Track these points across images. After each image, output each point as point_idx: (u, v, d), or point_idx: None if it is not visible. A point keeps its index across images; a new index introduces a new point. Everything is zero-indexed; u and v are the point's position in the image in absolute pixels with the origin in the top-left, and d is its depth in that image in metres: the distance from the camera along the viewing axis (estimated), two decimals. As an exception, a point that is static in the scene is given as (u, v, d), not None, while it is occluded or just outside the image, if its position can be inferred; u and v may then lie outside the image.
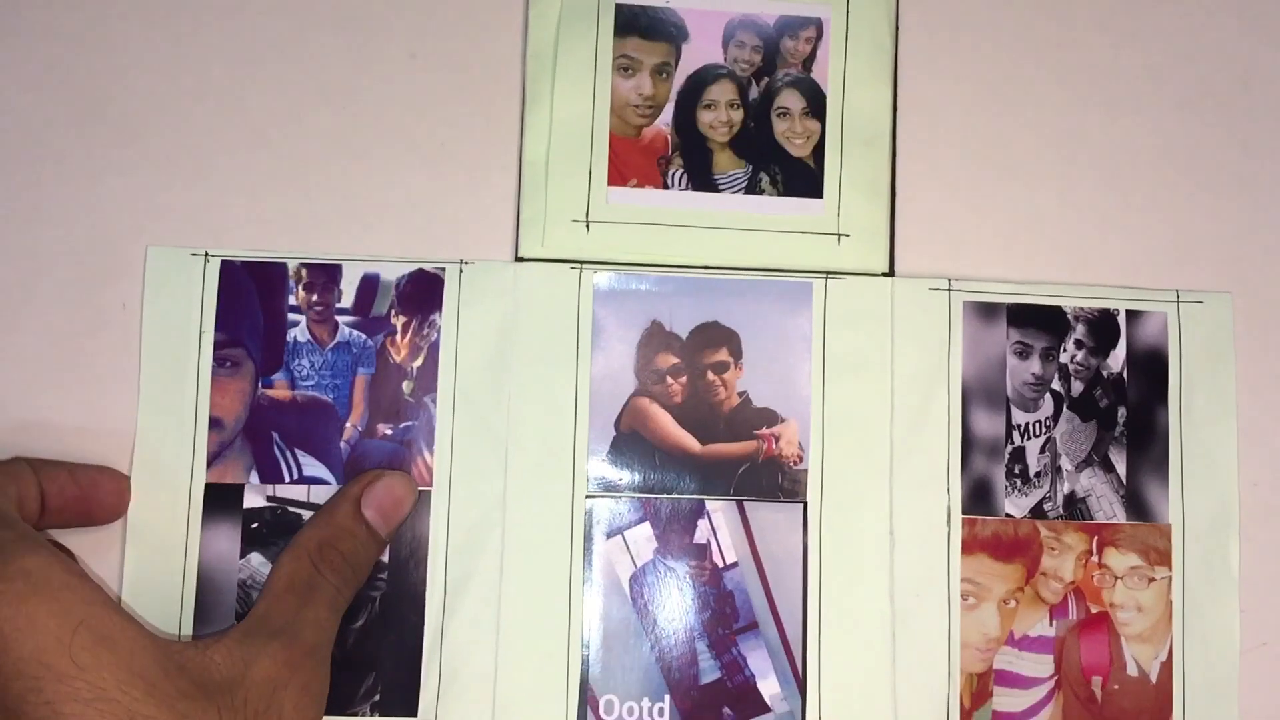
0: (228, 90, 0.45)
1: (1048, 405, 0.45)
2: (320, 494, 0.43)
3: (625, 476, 0.44)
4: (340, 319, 0.44)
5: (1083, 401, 0.45)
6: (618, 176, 0.45)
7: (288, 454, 0.43)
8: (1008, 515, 0.44)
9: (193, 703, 0.34)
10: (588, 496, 0.44)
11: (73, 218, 0.44)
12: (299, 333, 0.44)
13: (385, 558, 0.43)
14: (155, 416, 0.43)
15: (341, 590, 0.40)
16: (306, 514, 0.43)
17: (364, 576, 0.41)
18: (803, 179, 0.46)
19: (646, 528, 0.44)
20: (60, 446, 0.42)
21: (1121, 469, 0.45)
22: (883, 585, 0.44)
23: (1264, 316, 0.46)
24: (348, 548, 0.41)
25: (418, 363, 0.44)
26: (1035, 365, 0.45)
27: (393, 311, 0.44)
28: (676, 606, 0.44)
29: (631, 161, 0.46)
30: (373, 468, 0.43)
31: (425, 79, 0.46)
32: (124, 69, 0.45)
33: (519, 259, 0.45)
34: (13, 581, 0.33)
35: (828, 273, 0.45)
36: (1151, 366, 0.45)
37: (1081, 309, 0.45)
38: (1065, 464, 0.45)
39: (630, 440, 0.44)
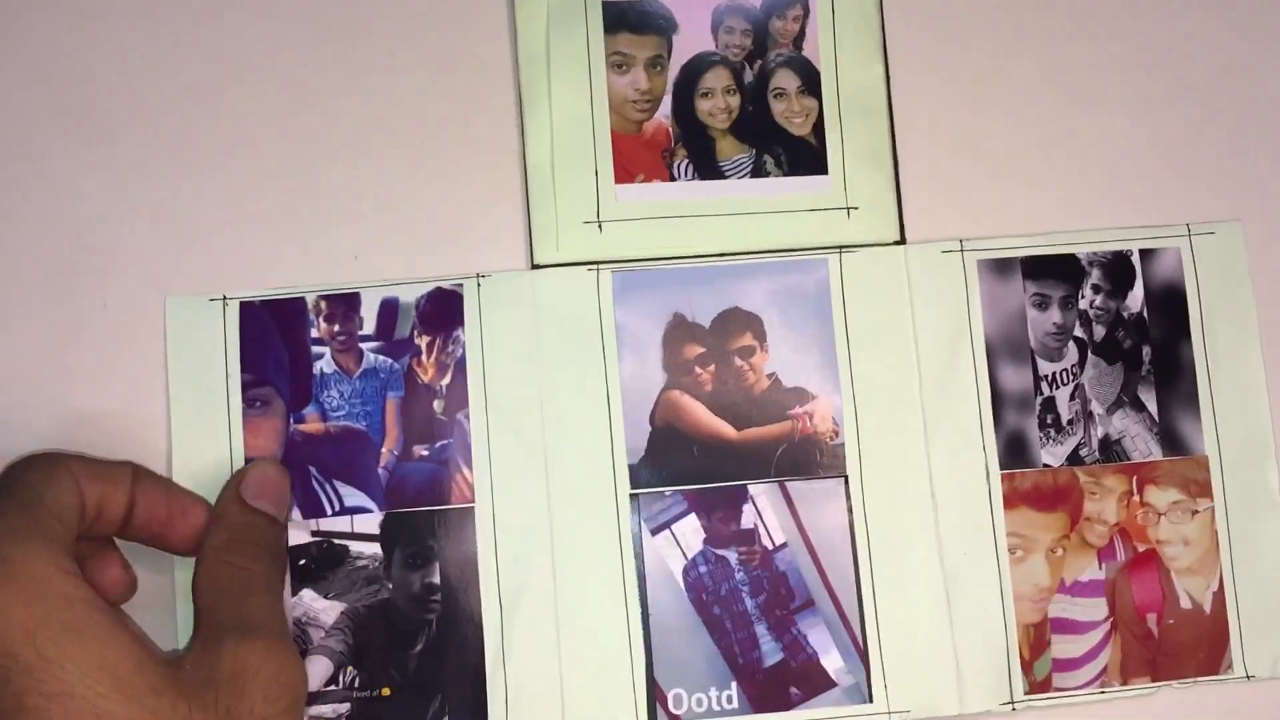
0: (232, 125, 0.45)
1: (1072, 353, 0.46)
2: (364, 523, 0.43)
3: (666, 471, 0.44)
4: (364, 346, 0.44)
5: (1106, 345, 0.46)
6: (624, 173, 0.45)
7: (327, 487, 0.43)
8: (1045, 465, 0.45)
9: (162, 699, 0.34)
10: (630, 495, 0.44)
11: (61, 237, 0.44)
12: (324, 364, 0.44)
13: (436, 578, 0.43)
14: (190, 463, 0.43)
15: (269, 575, 0.40)
16: (353, 545, 0.43)
17: (283, 559, 0.41)
18: (806, 157, 0.46)
19: (693, 519, 0.44)
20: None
21: (1152, 407, 0.45)
22: (931, 548, 0.44)
23: (1276, 240, 0.47)
24: (254, 536, 0.40)
25: (446, 380, 0.44)
26: (1055, 315, 0.46)
27: (415, 332, 0.44)
28: (732, 593, 0.44)
29: (636, 157, 0.46)
30: (413, 491, 0.43)
31: (422, 98, 0.45)
32: (114, 86, 0.45)
33: (535, 266, 0.45)
34: None
35: (841, 247, 0.45)
36: (1170, 302, 0.46)
37: (1095, 253, 0.46)
38: (1096, 408, 0.45)
39: (666, 434, 0.44)
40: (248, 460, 0.43)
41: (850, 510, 0.44)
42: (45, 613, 0.34)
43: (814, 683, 0.43)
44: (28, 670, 0.33)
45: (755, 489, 0.44)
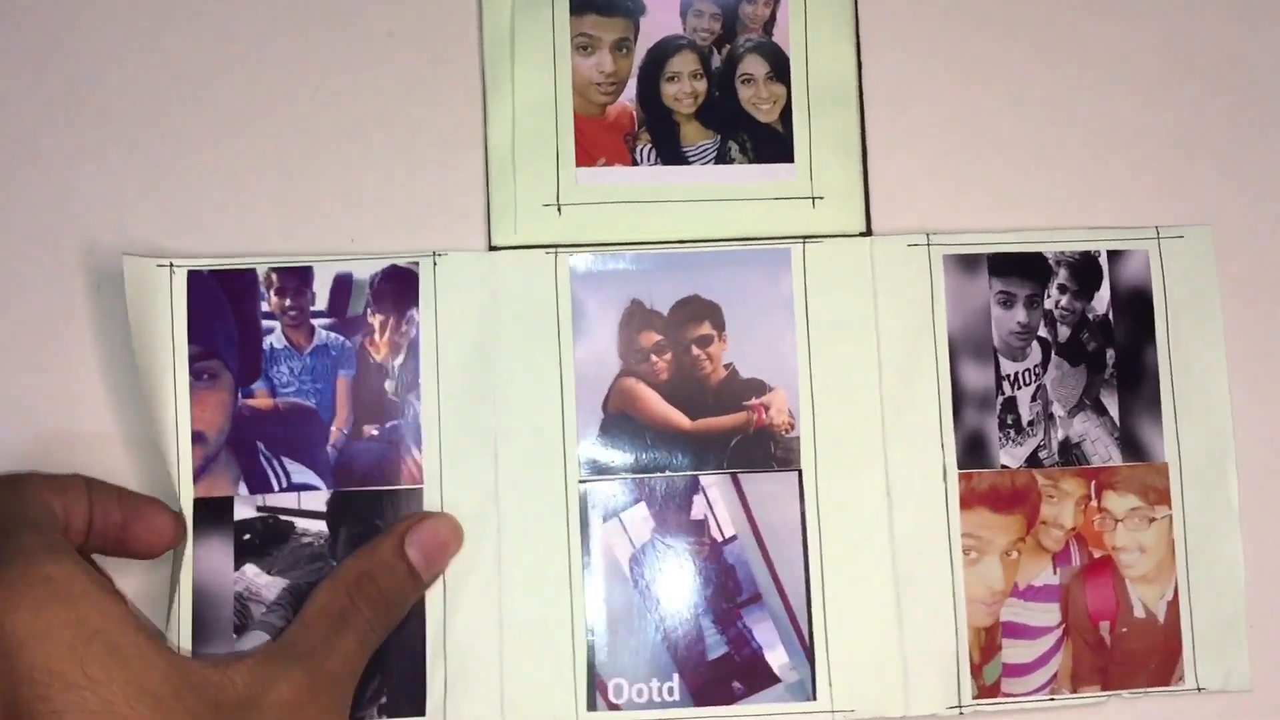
0: (189, 90, 0.45)
1: (1036, 353, 0.45)
2: (310, 500, 0.43)
3: (617, 458, 0.44)
4: (316, 322, 0.44)
5: (1070, 346, 0.45)
6: (585, 157, 0.45)
7: (274, 463, 0.43)
8: (1004, 466, 0.44)
9: None
10: (581, 481, 0.43)
11: (21, 212, 0.44)
12: (275, 339, 0.43)
13: (381, 559, 0.42)
14: (136, 435, 0.42)
15: (373, 624, 0.40)
16: (299, 521, 0.43)
17: (399, 616, 0.41)
18: (772, 144, 0.45)
19: (642, 508, 0.44)
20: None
21: (1114, 411, 0.45)
22: (884, 547, 0.43)
23: (1245, 246, 0.46)
24: (386, 583, 0.40)
25: (399, 360, 0.44)
26: (1020, 314, 0.45)
27: (369, 310, 0.44)
28: (678, 584, 0.43)
29: (598, 140, 0.45)
30: (361, 471, 0.43)
31: (386, 73, 0.45)
32: (84, 60, 0.44)
33: (493, 248, 0.44)
34: (32, 587, 0.33)
35: (805, 237, 0.45)
36: (1137, 305, 0.45)
37: (1062, 253, 0.45)
38: (1058, 410, 0.45)
39: (619, 422, 0.44)
40: (195, 434, 0.43)
41: (803, 505, 0.44)
42: (92, 631, 0.33)
43: (757, 678, 0.43)
44: (71, 688, 0.33)
45: (707, 480, 0.44)
